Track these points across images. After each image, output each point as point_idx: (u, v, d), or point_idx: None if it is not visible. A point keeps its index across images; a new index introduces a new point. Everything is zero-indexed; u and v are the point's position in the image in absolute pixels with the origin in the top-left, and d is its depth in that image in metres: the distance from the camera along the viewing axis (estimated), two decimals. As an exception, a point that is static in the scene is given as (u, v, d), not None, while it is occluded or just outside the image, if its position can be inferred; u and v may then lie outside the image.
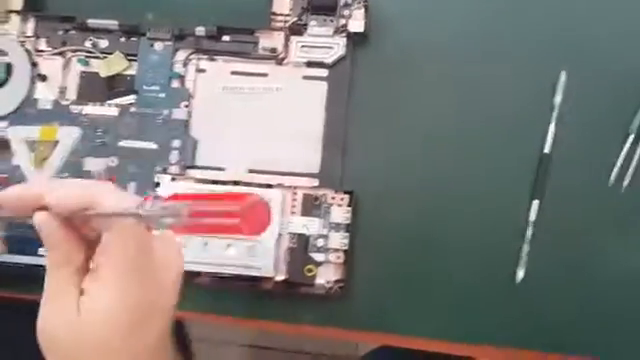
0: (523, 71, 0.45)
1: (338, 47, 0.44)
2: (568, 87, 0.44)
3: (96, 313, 0.30)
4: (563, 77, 0.44)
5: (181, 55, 0.45)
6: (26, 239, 0.43)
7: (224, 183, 0.44)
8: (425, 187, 0.44)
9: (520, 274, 0.43)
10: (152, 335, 0.32)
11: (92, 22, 0.45)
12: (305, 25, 0.44)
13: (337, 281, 0.43)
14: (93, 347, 0.30)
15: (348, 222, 0.43)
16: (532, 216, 0.43)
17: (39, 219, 0.31)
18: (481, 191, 0.44)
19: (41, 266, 0.42)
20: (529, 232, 0.43)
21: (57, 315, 0.31)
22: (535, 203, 0.43)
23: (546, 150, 0.44)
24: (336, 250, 0.43)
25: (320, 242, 0.43)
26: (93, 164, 0.44)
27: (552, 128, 0.44)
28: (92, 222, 0.31)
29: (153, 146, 0.44)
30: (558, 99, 0.44)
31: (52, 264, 0.32)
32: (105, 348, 0.30)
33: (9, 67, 0.46)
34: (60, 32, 0.46)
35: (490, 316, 0.43)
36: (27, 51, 0.46)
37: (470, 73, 0.45)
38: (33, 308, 0.33)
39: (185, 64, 0.45)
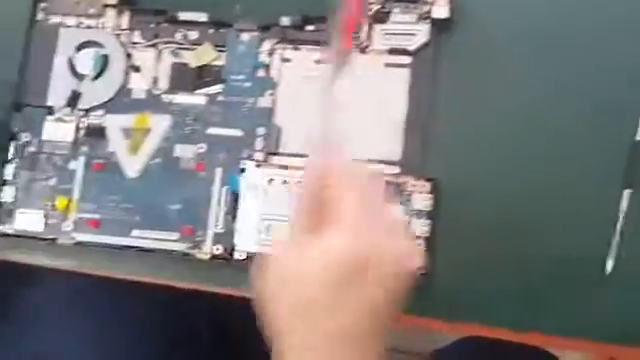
0: (613, 57, 0.43)
1: (421, 34, 0.44)
2: (662, 73, 0.42)
3: (327, 252, 0.33)
4: (657, 62, 0.43)
5: (267, 45, 0.47)
6: (119, 221, 0.46)
7: (307, 169, 0.45)
8: (509, 175, 0.43)
9: (609, 265, 0.41)
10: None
11: (182, 15, 0.47)
12: (388, 12, 0.45)
13: (418, 268, 0.43)
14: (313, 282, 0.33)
15: (429, 209, 0.43)
16: (623, 206, 0.42)
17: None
18: (569, 179, 0.43)
19: (134, 247, 0.46)
20: (620, 222, 0.41)
21: (290, 253, 0.34)
22: (626, 192, 0.42)
23: (638, 137, 0.42)
24: (417, 237, 0.43)
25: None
26: (183, 150, 0.46)
27: (645, 115, 0.42)
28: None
29: (239, 133, 0.46)
30: (651, 85, 0.42)
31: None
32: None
33: (105, 59, 0.48)
34: (153, 25, 0.48)
35: (577, 307, 0.42)
36: (122, 43, 0.48)
37: (557, 59, 0.44)
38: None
39: (270, 54, 0.47)
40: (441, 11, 0.43)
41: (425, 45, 0.44)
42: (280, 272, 0.34)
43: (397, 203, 0.39)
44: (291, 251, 0.34)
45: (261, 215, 0.44)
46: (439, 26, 0.44)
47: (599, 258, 0.42)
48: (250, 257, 0.44)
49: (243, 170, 0.45)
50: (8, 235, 0.47)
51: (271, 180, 0.44)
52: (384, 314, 0.34)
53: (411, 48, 0.45)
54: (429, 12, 0.44)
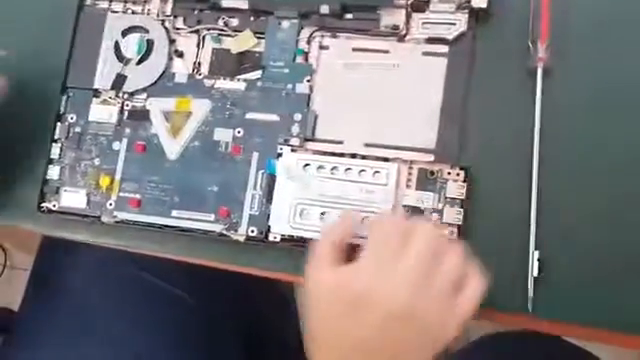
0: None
1: (460, 23, 0.44)
2: None
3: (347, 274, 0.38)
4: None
5: (305, 32, 0.47)
6: (159, 201, 0.48)
7: (341, 155, 0.45)
8: (546, 165, 0.43)
9: (646, 259, 0.41)
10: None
11: (224, 2, 0.48)
12: (427, 2, 0.45)
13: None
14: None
15: (463, 197, 0.43)
16: (663, 199, 0.41)
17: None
18: (607, 171, 0.42)
19: (172, 227, 0.47)
20: (658, 216, 0.41)
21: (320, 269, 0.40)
22: (666, 186, 0.41)
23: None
24: (450, 225, 0.43)
25: (434, 216, 0.43)
26: (222, 134, 0.47)
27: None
28: None
29: (276, 118, 0.47)
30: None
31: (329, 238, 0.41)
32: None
33: (150, 43, 0.50)
34: (195, 12, 0.49)
35: (613, 299, 0.41)
36: (166, 29, 0.50)
37: (599, 50, 0.43)
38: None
39: (309, 41, 0.47)
40: (479, 1, 0.43)
41: (463, 35, 0.44)
42: (309, 290, 0.40)
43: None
44: (315, 275, 0.40)
45: (296, 199, 0.45)
46: (477, 16, 0.44)
47: (635, 251, 0.41)
48: (284, 239, 0.45)
49: (280, 155, 0.46)
50: (53, 212, 0.50)
51: (306, 165, 0.45)
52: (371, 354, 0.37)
53: (449, 37, 0.45)
54: (468, 2, 0.44)
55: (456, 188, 0.43)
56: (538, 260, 0.42)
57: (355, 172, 0.45)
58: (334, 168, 0.45)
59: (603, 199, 0.42)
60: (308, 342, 0.39)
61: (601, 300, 0.41)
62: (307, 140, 0.46)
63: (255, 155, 0.47)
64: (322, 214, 0.44)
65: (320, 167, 0.45)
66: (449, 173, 0.44)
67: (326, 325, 0.38)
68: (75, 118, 0.50)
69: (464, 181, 0.43)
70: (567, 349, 0.57)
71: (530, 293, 0.42)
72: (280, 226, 0.45)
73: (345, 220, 0.43)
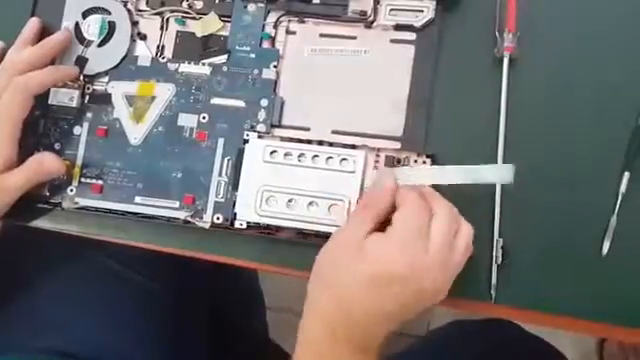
0: (619, 41, 0.43)
1: (427, 10, 0.44)
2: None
3: (370, 247, 0.38)
4: (663, 46, 0.42)
5: (272, 17, 0.47)
6: (122, 187, 0.47)
7: (309, 142, 0.45)
8: (510, 154, 0.43)
9: (606, 247, 0.42)
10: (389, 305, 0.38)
11: (189, -16, 0.47)
12: (396, -12, 0.45)
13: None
14: (344, 276, 0.38)
15: (429, 185, 0.43)
16: (622, 188, 0.42)
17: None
18: (570, 160, 0.43)
19: (135, 213, 0.46)
20: (618, 204, 0.42)
21: (346, 235, 0.40)
22: (626, 175, 0.42)
23: (640, 121, 0.42)
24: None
25: (402, 203, 0.43)
26: (186, 119, 0.46)
27: (648, 99, 0.42)
28: None
29: (242, 104, 0.46)
30: (656, 69, 0.42)
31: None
32: (347, 282, 0.38)
33: (112, 25, 0.48)
34: (159, -7, 0.48)
35: (573, 287, 0.42)
36: (128, 11, 0.48)
37: (564, 42, 0.44)
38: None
39: (276, 26, 0.47)
40: (448, -12, 0.43)
41: (430, 22, 0.44)
42: (331, 258, 0.40)
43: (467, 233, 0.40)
44: (346, 246, 0.39)
45: (262, 186, 0.44)
46: (445, 4, 0.44)
47: (596, 239, 0.42)
48: (250, 226, 0.45)
49: (245, 141, 0.45)
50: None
51: (273, 152, 0.45)
52: (390, 325, 0.39)
53: (417, 25, 0.45)
54: (436, -11, 0.44)
55: (422, 176, 0.43)
56: (502, 248, 0.42)
57: (322, 159, 0.44)
58: (301, 155, 0.45)
59: (567, 188, 0.43)
60: (311, 278, 0.40)
61: (562, 288, 0.42)
62: (274, 126, 0.46)
63: (221, 141, 0.46)
64: (289, 201, 0.44)
65: (287, 154, 0.45)
66: (416, 161, 0.44)
67: (339, 274, 0.39)
68: (34, 101, 0.48)
69: (430, 169, 0.43)
70: (528, 338, 0.58)
71: (493, 280, 0.42)
72: (246, 213, 0.45)
73: (387, 188, 0.41)
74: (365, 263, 0.38)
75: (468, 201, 0.43)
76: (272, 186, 0.44)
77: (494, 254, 0.42)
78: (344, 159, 0.44)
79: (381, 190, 0.40)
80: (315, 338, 0.39)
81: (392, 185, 0.40)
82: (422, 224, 0.38)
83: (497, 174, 0.40)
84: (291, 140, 0.45)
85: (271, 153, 0.45)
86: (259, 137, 0.45)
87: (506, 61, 0.43)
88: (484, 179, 0.40)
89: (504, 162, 0.43)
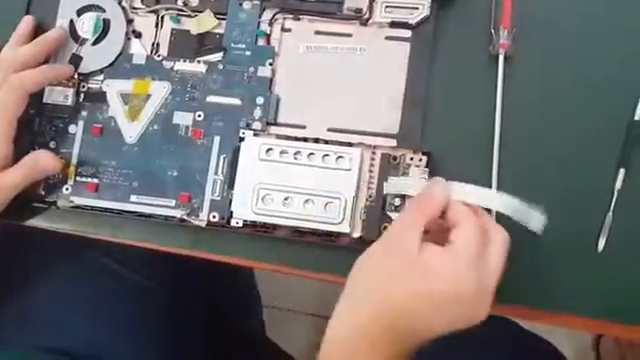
0: (614, 36, 0.43)
1: (423, 8, 0.44)
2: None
3: (432, 262, 0.36)
4: (658, 43, 0.43)
5: (268, 14, 0.46)
6: (117, 186, 0.46)
7: (305, 140, 0.45)
8: (506, 151, 0.43)
9: (602, 243, 0.42)
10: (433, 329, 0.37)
11: (184, -19, 0.47)
12: (391, -15, 0.45)
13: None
14: (399, 285, 0.36)
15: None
16: (618, 184, 0.42)
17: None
18: (566, 157, 0.43)
19: (130, 212, 0.46)
20: (613, 201, 0.42)
21: (399, 239, 0.37)
22: (621, 171, 0.42)
23: (636, 117, 0.42)
24: (413, 210, 0.43)
25: (397, 201, 0.43)
26: (182, 118, 0.46)
27: (643, 95, 0.42)
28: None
29: (238, 102, 0.46)
30: (651, 66, 0.43)
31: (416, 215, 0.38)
32: (403, 292, 0.36)
33: (106, 23, 0.48)
34: (154, -9, 0.48)
35: (569, 284, 0.42)
36: (123, 8, 0.48)
37: (555, 38, 0.44)
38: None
39: (271, 23, 0.46)
40: (443, -15, 0.43)
41: (426, 19, 0.44)
42: (383, 263, 0.38)
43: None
44: (402, 254, 0.37)
45: (258, 184, 0.44)
46: (440, 1, 0.44)
47: (592, 236, 0.42)
48: (246, 225, 0.45)
49: (242, 139, 0.45)
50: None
51: (269, 150, 0.45)
52: (424, 343, 0.37)
53: (412, 22, 0.44)
54: (431, -15, 0.44)
55: (419, 173, 0.43)
56: (498, 245, 0.42)
57: (318, 157, 0.44)
58: (297, 153, 0.44)
59: (561, 186, 0.43)
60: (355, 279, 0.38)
61: (559, 285, 0.42)
62: (269, 124, 0.46)
63: (216, 139, 0.46)
64: (285, 199, 0.44)
65: (283, 152, 0.45)
66: (412, 158, 0.44)
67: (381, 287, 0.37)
68: (29, 100, 0.48)
69: (426, 166, 0.43)
70: (526, 336, 0.58)
71: (490, 277, 0.42)
72: (242, 211, 0.45)
73: (442, 197, 0.39)
74: (430, 278, 0.36)
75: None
76: (268, 184, 0.44)
77: (490, 251, 0.42)
78: (340, 157, 0.44)
79: (435, 198, 0.38)
80: (349, 344, 0.37)
81: (446, 196, 0.38)
82: (482, 247, 0.37)
83: (538, 224, 0.39)
84: (287, 138, 0.45)
85: (267, 151, 0.45)
86: (255, 135, 0.45)
87: (501, 58, 0.43)
88: (526, 221, 0.39)
89: (499, 159, 0.43)
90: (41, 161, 0.46)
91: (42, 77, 0.46)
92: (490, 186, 0.43)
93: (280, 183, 0.44)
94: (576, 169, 0.43)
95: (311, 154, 0.44)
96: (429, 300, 0.36)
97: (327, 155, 0.44)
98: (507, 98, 0.43)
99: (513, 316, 0.46)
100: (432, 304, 0.36)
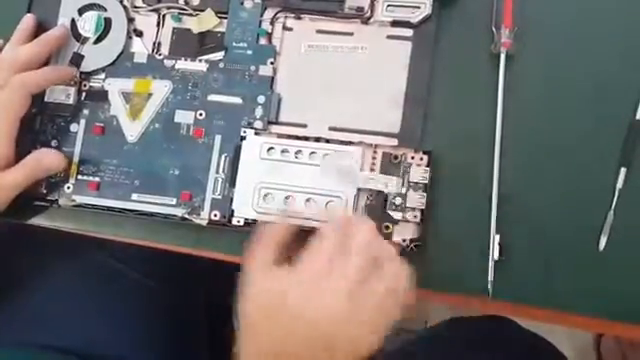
0: (617, 36, 0.43)
1: (424, 7, 0.44)
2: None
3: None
4: (660, 42, 0.43)
5: (269, 13, 0.46)
6: (119, 184, 0.46)
7: (306, 139, 0.45)
8: (507, 150, 0.43)
9: (603, 242, 0.42)
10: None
11: (186, -20, 0.47)
12: (392, -16, 0.45)
13: (413, 240, 0.43)
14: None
15: (426, 182, 0.43)
16: (619, 184, 0.42)
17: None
18: (567, 155, 0.43)
19: (132, 210, 0.46)
20: (615, 200, 0.42)
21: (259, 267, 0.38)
22: (623, 170, 0.42)
23: (637, 117, 0.42)
24: (413, 209, 0.43)
25: (398, 200, 0.43)
26: (183, 116, 0.46)
27: (645, 95, 0.42)
28: None
29: (239, 101, 0.46)
30: (653, 65, 0.43)
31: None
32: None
33: (108, 22, 0.48)
34: (155, -10, 0.48)
35: (570, 283, 0.42)
36: (124, 7, 0.48)
37: (557, 39, 0.44)
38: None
39: (272, 22, 0.46)
40: (445, -16, 0.43)
41: (427, 18, 0.44)
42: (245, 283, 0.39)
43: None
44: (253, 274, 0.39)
45: (260, 183, 0.44)
46: (442, 0, 0.44)
47: (593, 235, 0.42)
48: (248, 223, 0.45)
49: (243, 138, 0.45)
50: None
51: (270, 148, 0.45)
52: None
53: (414, 21, 0.44)
54: (433, -16, 0.44)
55: (419, 172, 0.43)
56: (499, 244, 0.42)
57: (320, 156, 0.44)
58: (298, 152, 0.44)
59: (563, 185, 0.43)
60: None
61: (560, 283, 0.42)
62: (271, 123, 0.46)
63: (218, 138, 0.46)
64: (286, 198, 0.44)
65: (284, 151, 0.45)
66: (413, 157, 0.44)
67: (254, 326, 0.38)
68: (31, 100, 0.48)
69: (427, 165, 0.43)
70: (526, 336, 0.58)
71: (490, 277, 0.42)
72: (244, 210, 0.45)
73: (285, 224, 0.41)
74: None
75: (465, 197, 0.44)
76: (269, 183, 0.44)
77: (491, 250, 0.42)
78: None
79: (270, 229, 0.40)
80: None
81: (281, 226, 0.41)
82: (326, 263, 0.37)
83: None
84: (288, 137, 0.45)
85: (268, 150, 0.45)
86: (256, 134, 0.45)
87: (503, 57, 0.43)
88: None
89: (500, 159, 0.43)
90: (45, 160, 0.46)
91: (44, 79, 0.46)
92: (492, 185, 0.43)
93: (281, 182, 0.44)
94: (577, 168, 0.43)
95: (312, 153, 0.44)
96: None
97: (328, 154, 0.44)
98: (508, 97, 0.43)
99: (513, 315, 0.46)
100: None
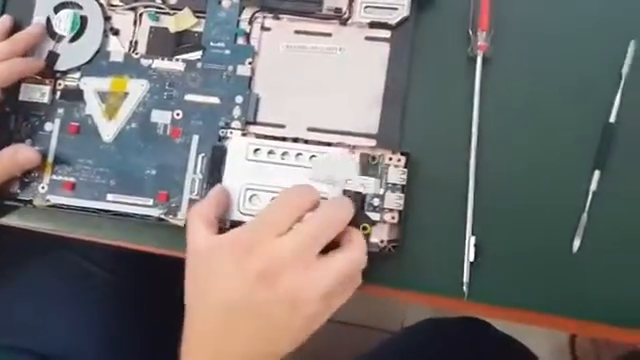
0: (591, 39, 0.44)
1: (402, 8, 0.44)
2: (637, 57, 0.43)
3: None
4: (632, 47, 0.43)
5: (247, 13, 0.46)
6: (94, 185, 0.46)
7: (284, 139, 0.45)
8: (483, 152, 0.44)
9: (576, 244, 0.42)
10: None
11: (163, -21, 0.47)
12: (370, -15, 0.45)
13: (390, 241, 0.43)
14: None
15: (404, 183, 0.43)
16: (593, 186, 0.42)
17: None
18: (542, 158, 0.43)
19: (108, 211, 0.45)
20: (588, 202, 0.42)
21: None
22: (597, 173, 0.42)
23: (611, 120, 0.43)
24: (391, 210, 0.43)
25: (376, 201, 0.43)
26: (160, 116, 0.46)
27: (618, 98, 0.43)
28: None
29: (217, 101, 0.46)
30: (626, 69, 0.43)
31: None
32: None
33: (84, 20, 0.48)
34: (132, -12, 0.48)
35: (544, 284, 0.42)
36: (101, 5, 0.48)
37: (533, 42, 0.44)
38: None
39: (251, 22, 0.46)
40: (422, -14, 0.44)
41: (405, 20, 0.44)
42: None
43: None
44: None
45: (245, 184, 0.44)
46: (419, 1, 0.44)
47: (566, 237, 0.43)
48: (233, 225, 0.44)
49: (220, 138, 0.45)
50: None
51: (257, 150, 0.44)
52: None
53: (392, 22, 0.45)
54: (410, -14, 0.44)
55: (397, 174, 0.43)
56: (474, 246, 0.43)
57: (306, 158, 0.44)
58: (285, 153, 0.44)
59: (538, 186, 0.43)
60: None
61: (534, 285, 0.43)
62: (249, 123, 0.45)
63: (195, 138, 0.45)
64: (273, 200, 0.44)
65: (270, 152, 0.44)
66: (390, 159, 0.44)
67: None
68: (2, 97, 0.47)
69: (405, 167, 0.43)
70: (501, 339, 0.59)
71: (466, 278, 0.42)
72: (230, 212, 0.44)
73: (215, 197, 0.43)
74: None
75: (442, 199, 0.44)
76: (255, 184, 0.44)
77: (467, 252, 0.43)
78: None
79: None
80: None
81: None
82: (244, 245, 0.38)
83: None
84: (266, 137, 0.45)
85: (255, 151, 0.45)
86: (243, 135, 0.45)
87: (479, 60, 0.44)
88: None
89: (476, 160, 0.43)
90: (19, 155, 0.45)
91: (10, 71, 0.45)
92: (467, 186, 0.43)
93: (267, 183, 0.44)
94: (552, 170, 0.43)
95: (299, 154, 0.44)
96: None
97: (314, 156, 0.44)
98: (485, 99, 0.44)
99: (488, 316, 0.46)
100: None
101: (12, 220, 0.48)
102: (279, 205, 0.39)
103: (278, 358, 0.37)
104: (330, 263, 0.37)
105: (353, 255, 0.38)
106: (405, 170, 0.43)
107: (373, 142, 0.44)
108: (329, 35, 0.46)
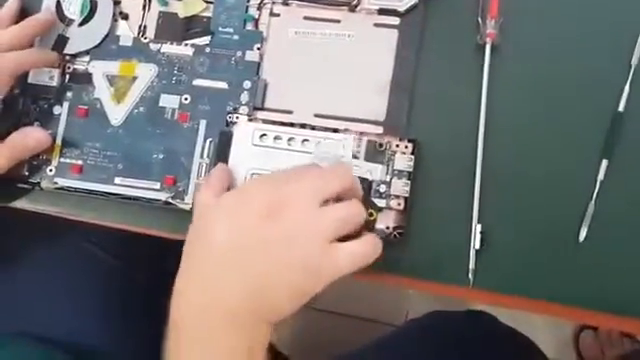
0: (601, 30, 0.44)
1: (411, -5, 0.44)
2: (647, 47, 0.43)
3: None
4: (643, 36, 0.43)
5: (256, -1, 0.46)
6: (102, 168, 0.46)
7: (291, 125, 0.45)
8: (491, 140, 0.43)
9: (583, 233, 0.42)
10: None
11: (173, -36, 0.47)
12: (380, -28, 0.45)
13: (396, 227, 0.43)
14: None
15: (411, 170, 0.43)
16: (600, 175, 0.42)
17: None
18: (549, 147, 0.43)
19: (115, 194, 0.46)
20: (596, 191, 0.42)
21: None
22: (604, 162, 0.42)
23: (620, 109, 0.43)
24: (397, 197, 0.43)
25: (382, 188, 0.43)
26: (168, 100, 0.46)
27: (627, 88, 0.43)
28: None
29: (225, 86, 0.46)
30: (635, 59, 0.43)
31: None
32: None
33: (93, 4, 0.48)
34: (142, -28, 0.48)
35: (550, 273, 0.42)
36: (110, -11, 0.48)
37: (546, 29, 0.44)
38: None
39: (259, 8, 0.46)
40: (432, -27, 0.43)
41: (414, 7, 0.44)
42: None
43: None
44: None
45: (251, 169, 0.44)
46: (429, -12, 0.44)
47: (573, 226, 0.42)
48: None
49: (228, 123, 0.45)
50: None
51: (263, 135, 0.45)
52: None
53: (401, 9, 0.45)
54: (420, -27, 0.44)
55: (404, 160, 0.43)
56: (480, 233, 0.42)
57: (312, 143, 0.44)
58: (291, 139, 0.44)
59: (545, 174, 0.43)
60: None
61: (540, 273, 0.43)
62: (256, 109, 0.45)
63: (203, 123, 0.46)
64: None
65: (277, 138, 0.44)
66: (397, 145, 0.44)
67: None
68: (13, 82, 0.48)
69: (412, 153, 0.43)
70: (506, 332, 0.59)
71: (471, 265, 0.42)
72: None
73: (219, 172, 0.43)
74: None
75: (449, 186, 0.44)
76: (261, 169, 0.44)
77: (473, 239, 0.43)
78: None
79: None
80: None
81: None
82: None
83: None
84: (273, 123, 0.45)
85: (261, 136, 0.45)
86: (250, 120, 0.45)
87: (488, 47, 0.43)
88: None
89: (484, 147, 0.43)
90: (29, 138, 0.45)
91: (26, 60, 0.45)
92: (475, 174, 0.43)
93: (273, 169, 0.44)
94: (559, 159, 0.43)
95: (305, 140, 0.44)
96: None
97: (320, 142, 0.44)
98: (493, 87, 0.44)
99: (493, 304, 0.46)
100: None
101: (22, 203, 0.48)
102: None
103: (265, 321, 0.36)
104: (329, 209, 0.37)
105: (352, 205, 0.38)
106: (412, 157, 0.43)
107: (380, 129, 0.44)
108: (338, 21, 0.46)
